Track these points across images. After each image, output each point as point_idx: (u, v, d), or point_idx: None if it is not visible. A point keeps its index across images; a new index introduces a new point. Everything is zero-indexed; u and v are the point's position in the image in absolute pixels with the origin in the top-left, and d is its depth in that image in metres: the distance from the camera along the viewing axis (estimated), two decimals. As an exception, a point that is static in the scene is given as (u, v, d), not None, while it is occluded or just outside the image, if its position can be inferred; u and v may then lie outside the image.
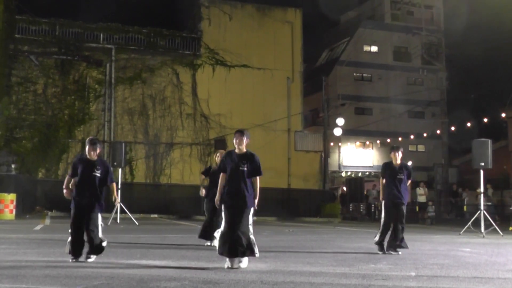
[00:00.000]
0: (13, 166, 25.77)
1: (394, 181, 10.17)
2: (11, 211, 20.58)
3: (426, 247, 10.79)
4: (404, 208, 10.21)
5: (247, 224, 7.41)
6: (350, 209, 34.51)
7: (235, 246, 7.26)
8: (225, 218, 7.46)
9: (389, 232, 10.07)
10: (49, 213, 26.28)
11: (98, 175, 7.92)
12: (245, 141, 7.60)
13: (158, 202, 30.07)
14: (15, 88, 29.92)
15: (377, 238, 10.14)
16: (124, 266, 7.46)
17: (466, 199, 27.21)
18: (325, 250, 10.63)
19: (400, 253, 9.89)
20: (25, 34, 30.45)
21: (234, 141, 7.63)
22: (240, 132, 7.66)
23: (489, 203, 28.33)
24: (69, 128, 30.93)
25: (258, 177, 7.59)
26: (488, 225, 16.82)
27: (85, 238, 7.80)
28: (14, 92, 29.83)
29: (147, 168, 32.09)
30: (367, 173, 46.76)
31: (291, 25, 35.91)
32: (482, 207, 16.84)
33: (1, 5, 26.17)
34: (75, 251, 7.78)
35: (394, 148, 10.44)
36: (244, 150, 7.61)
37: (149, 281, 6.09)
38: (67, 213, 28.53)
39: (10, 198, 20.65)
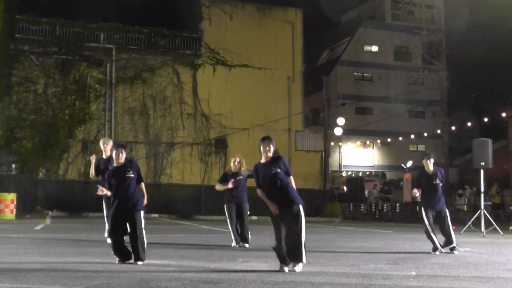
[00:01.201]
0: (13, 166, 25.78)
1: (430, 188, 10.26)
2: (11, 211, 20.58)
3: (427, 247, 10.77)
4: (446, 211, 10.39)
5: (301, 225, 7.11)
6: (351, 209, 34.51)
7: (294, 252, 7.06)
8: (276, 228, 7.13)
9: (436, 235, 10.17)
10: (50, 213, 26.28)
11: (132, 175, 7.86)
12: (272, 147, 7.28)
13: (159, 201, 30.00)
14: (15, 88, 29.93)
15: (437, 245, 10.14)
16: (125, 266, 7.46)
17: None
18: (325, 250, 10.63)
19: (456, 252, 10.09)
20: (25, 34, 30.45)
21: (261, 148, 7.27)
22: (268, 139, 7.31)
23: (462, 204, 28.42)
24: (69, 128, 30.93)
25: (292, 177, 7.33)
26: (488, 223, 16.81)
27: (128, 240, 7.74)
28: (14, 92, 29.84)
29: (147, 168, 32.07)
30: (368, 173, 46.79)
31: (292, 25, 35.90)
32: (482, 207, 16.84)
33: (1, 5, 26.17)
34: (121, 255, 7.67)
35: (426, 156, 10.47)
36: (270, 155, 7.29)
37: (150, 280, 6.08)
38: (67, 213, 28.40)
39: (11, 198, 20.65)
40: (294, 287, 5.88)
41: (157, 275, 6.56)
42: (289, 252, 7.07)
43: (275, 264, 7.73)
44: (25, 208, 23.99)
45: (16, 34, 29.91)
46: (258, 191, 7.29)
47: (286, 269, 7.01)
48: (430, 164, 10.34)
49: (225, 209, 11.06)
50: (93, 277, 6.24)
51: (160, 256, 8.67)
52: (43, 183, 29.15)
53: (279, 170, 7.18)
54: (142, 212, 7.80)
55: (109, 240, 9.01)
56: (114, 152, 7.90)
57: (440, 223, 10.39)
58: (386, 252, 10.12)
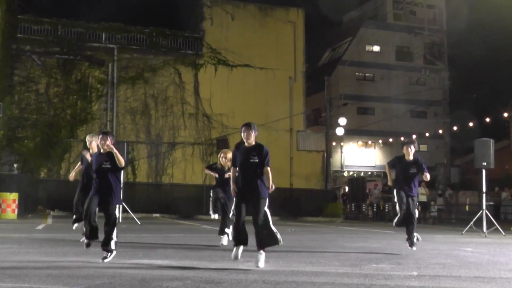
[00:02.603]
0: (15, 165, 25.81)
1: (405, 176, 10.06)
2: (13, 211, 20.61)
3: (428, 247, 10.78)
4: (416, 200, 10.13)
5: (265, 215, 7.39)
6: (352, 209, 34.54)
7: (244, 238, 7.42)
8: (238, 211, 7.44)
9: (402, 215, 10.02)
10: (51, 212, 26.30)
11: (109, 166, 7.93)
12: (253, 134, 7.49)
13: (160, 201, 30.09)
14: (17, 87, 29.95)
15: (396, 221, 10.21)
16: (126, 265, 7.46)
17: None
18: (327, 250, 10.63)
19: (414, 249, 9.97)
20: (27, 34, 30.47)
21: (242, 134, 7.52)
22: (247, 126, 7.54)
23: (441, 205, 28.44)
24: (71, 127, 30.96)
25: (269, 168, 7.50)
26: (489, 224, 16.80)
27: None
28: (16, 92, 29.85)
29: (149, 168, 32.10)
30: (369, 173, 46.76)
31: (294, 25, 35.89)
32: (484, 207, 16.83)
33: (3, 4, 26.19)
34: (91, 235, 7.85)
35: (406, 143, 10.22)
36: (253, 143, 7.54)
37: (151, 280, 6.09)
38: (69, 213, 28.54)
39: (12, 197, 20.68)
40: (295, 287, 5.87)
41: (159, 274, 6.56)
42: (257, 238, 7.40)
43: (276, 263, 7.74)
44: (27, 208, 24.01)
45: (18, 34, 29.91)
46: (232, 169, 7.64)
47: (239, 254, 7.38)
48: (411, 152, 10.05)
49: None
50: (94, 277, 6.25)
51: (162, 256, 8.67)
52: (44, 183, 29.17)
53: (257, 160, 7.44)
54: (116, 207, 8.07)
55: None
56: (98, 139, 8.04)
57: (410, 209, 10.03)
58: (387, 253, 10.11)
